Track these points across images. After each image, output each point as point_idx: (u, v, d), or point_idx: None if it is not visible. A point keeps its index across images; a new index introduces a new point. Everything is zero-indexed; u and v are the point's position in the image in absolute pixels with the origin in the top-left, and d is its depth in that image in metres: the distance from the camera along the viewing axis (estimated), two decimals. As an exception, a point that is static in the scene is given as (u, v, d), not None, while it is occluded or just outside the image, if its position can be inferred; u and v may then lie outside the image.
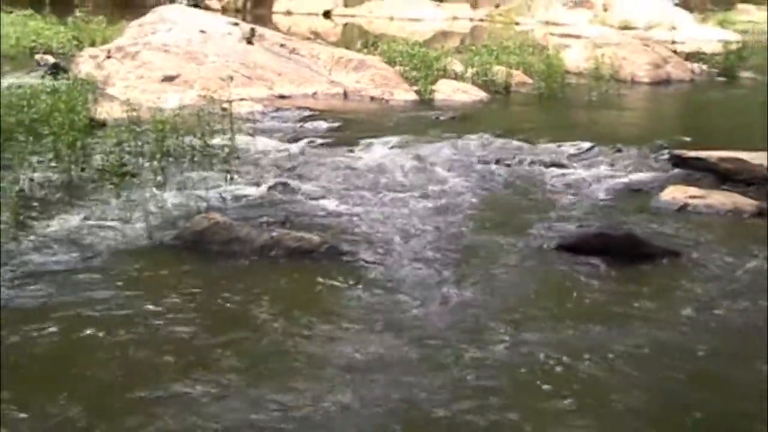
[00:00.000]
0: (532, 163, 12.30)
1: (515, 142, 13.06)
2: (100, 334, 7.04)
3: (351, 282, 8.24)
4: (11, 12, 22.13)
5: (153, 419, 5.85)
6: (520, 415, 6.02)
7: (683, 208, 10.49)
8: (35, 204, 9.76)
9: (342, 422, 5.89)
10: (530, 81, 18.28)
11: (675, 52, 22.28)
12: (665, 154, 12.29)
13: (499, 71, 18.27)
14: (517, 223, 9.98)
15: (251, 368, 6.59)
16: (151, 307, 7.53)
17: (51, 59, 17.67)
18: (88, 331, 7.07)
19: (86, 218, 9.42)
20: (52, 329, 7.11)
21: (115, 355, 6.75)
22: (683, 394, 6.44)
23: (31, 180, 10.35)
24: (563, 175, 11.80)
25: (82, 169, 10.88)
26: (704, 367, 6.85)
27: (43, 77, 15.71)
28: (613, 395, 6.37)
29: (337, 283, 8.22)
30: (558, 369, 6.66)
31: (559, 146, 12.91)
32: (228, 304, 7.69)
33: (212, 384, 6.30)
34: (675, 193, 10.74)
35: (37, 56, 18.12)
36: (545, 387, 6.39)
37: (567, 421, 6.02)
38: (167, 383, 6.32)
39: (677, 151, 12.18)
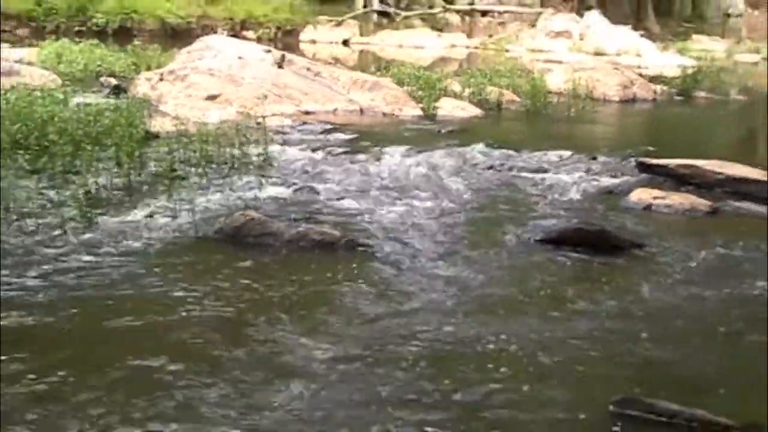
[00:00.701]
0: (519, 168, 12.29)
1: (505, 151, 13.04)
2: (156, 310, 7.12)
3: (366, 270, 8.27)
4: (80, 42, 22.14)
5: (209, 379, 5.92)
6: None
7: (648, 208, 10.50)
8: (100, 203, 9.75)
9: (365, 361, 6.23)
10: (518, 99, 18.26)
11: (640, 75, 22.21)
12: (632, 162, 12.27)
13: (491, 91, 18.25)
14: (507, 219, 9.98)
15: (281, 334, 6.72)
16: (197, 288, 7.60)
17: (113, 81, 17.68)
18: (145, 307, 7.16)
19: (143, 215, 9.44)
20: (115, 306, 7.17)
21: (171, 328, 6.84)
22: (630, 352, 6.67)
23: (97, 183, 10.34)
24: (546, 179, 11.79)
25: (139, 174, 10.89)
26: (654, 334, 6.95)
27: (106, 96, 15.76)
28: (577, 352, 6.58)
29: (354, 272, 8.24)
30: (534, 328, 6.92)
31: (543, 154, 12.90)
32: (261, 287, 7.73)
33: (254, 345, 6.52)
34: (641, 195, 10.76)
35: (102, 79, 18.12)
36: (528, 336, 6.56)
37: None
38: (216, 350, 6.43)
39: (642, 159, 12.17)
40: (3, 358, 6.11)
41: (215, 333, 6.78)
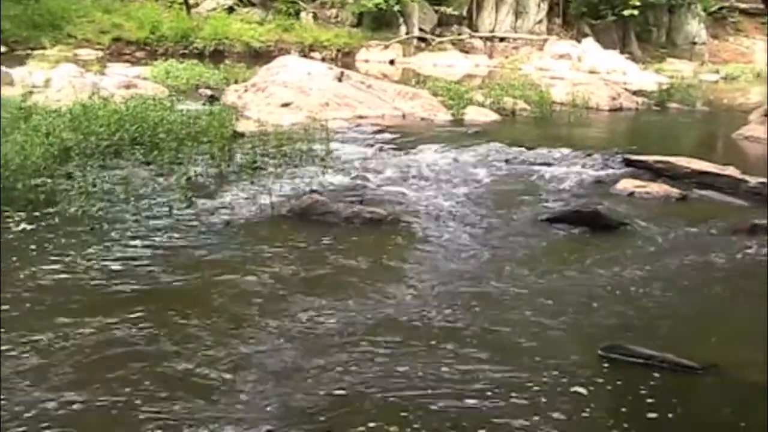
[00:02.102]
0: (529, 162, 12.23)
1: (518, 148, 12.96)
2: (242, 268, 7.21)
3: (407, 241, 8.32)
4: (183, 61, 22.25)
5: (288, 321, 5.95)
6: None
7: (631, 194, 10.45)
8: (198, 188, 9.79)
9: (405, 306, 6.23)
10: (529, 108, 18.13)
11: (625, 89, 22.02)
12: (619, 158, 12.17)
13: (507, 101, 18.15)
14: (519, 201, 9.95)
15: (340, 288, 6.80)
16: (271, 253, 7.68)
17: (209, 92, 17.71)
18: (234, 266, 7.28)
19: (230, 197, 9.47)
20: (210, 266, 7.28)
21: (254, 283, 6.92)
22: (614, 304, 6.76)
23: (195, 172, 10.38)
24: (551, 170, 11.71)
25: (228, 165, 10.90)
26: (634, 291, 7.04)
27: (203, 104, 15.81)
28: (574, 301, 6.62)
29: (398, 242, 8.30)
30: (539, 283, 6.91)
31: (548, 151, 12.80)
32: (324, 254, 7.77)
33: (316, 296, 6.59)
34: (626, 184, 10.71)
35: (200, 90, 18.16)
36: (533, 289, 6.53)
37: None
38: (289, 301, 6.52)
39: (627, 156, 12.11)
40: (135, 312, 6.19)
41: (287, 284, 6.91)
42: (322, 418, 4.83)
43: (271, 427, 4.69)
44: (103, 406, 4.84)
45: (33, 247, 7.56)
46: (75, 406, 4.83)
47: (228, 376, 5.25)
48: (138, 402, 4.88)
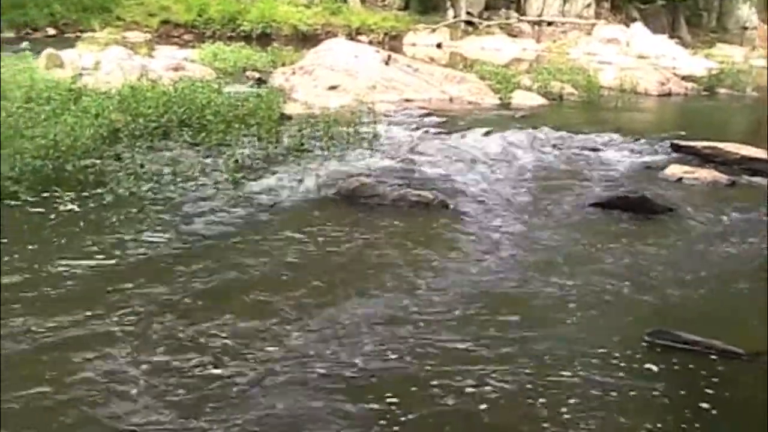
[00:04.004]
0: (576, 147, 12.16)
1: (566, 133, 12.89)
2: (289, 251, 7.26)
3: (454, 224, 8.30)
4: (231, 44, 22.31)
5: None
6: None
7: (679, 180, 10.37)
8: (245, 169, 9.83)
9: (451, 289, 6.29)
10: (576, 92, 17.99)
11: (675, 74, 21.80)
12: (667, 143, 12.09)
13: (555, 85, 18.03)
14: (566, 186, 9.91)
15: (387, 271, 6.85)
16: (320, 234, 7.73)
17: (256, 75, 17.76)
18: (279, 246, 7.35)
19: (277, 179, 9.50)
20: (256, 246, 7.33)
21: (304, 262, 7.02)
22: (661, 289, 6.73)
23: (242, 153, 10.43)
24: (598, 155, 11.66)
25: (275, 147, 10.95)
26: (681, 276, 7.00)
27: (251, 86, 15.85)
28: (619, 287, 6.63)
29: (444, 225, 8.29)
30: (580, 272, 6.91)
31: (596, 136, 12.74)
32: (370, 236, 7.80)
33: (362, 278, 6.67)
34: (674, 170, 10.63)
35: (247, 73, 18.21)
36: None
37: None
38: (337, 277, 6.62)
39: (675, 141, 12.03)
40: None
41: (332, 263, 7.01)
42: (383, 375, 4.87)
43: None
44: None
45: (81, 226, 7.66)
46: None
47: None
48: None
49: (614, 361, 5.41)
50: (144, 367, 5.09)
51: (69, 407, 4.62)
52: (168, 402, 4.72)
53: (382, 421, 4.62)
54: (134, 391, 4.82)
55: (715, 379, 5.24)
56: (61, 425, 4.49)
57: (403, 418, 4.67)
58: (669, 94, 19.73)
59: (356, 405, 4.77)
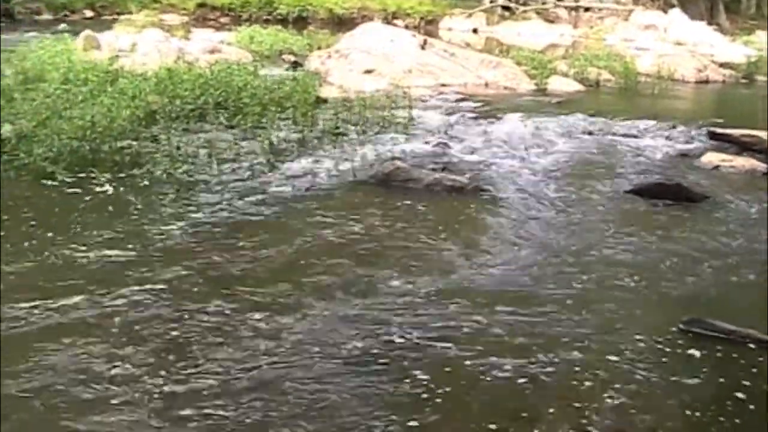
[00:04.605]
0: (613, 134, 12.06)
1: (602, 119, 12.80)
2: (324, 233, 7.29)
3: (489, 210, 8.27)
4: (267, 27, 22.34)
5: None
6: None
7: (716, 168, 10.27)
8: (280, 152, 9.85)
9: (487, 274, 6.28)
10: (613, 78, 17.85)
11: (712, 61, 21.58)
12: (704, 131, 11.98)
13: (591, 71, 17.89)
14: (602, 173, 9.84)
15: (422, 254, 6.83)
16: (355, 217, 7.73)
17: (292, 58, 17.78)
18: (314, 228, 7.39)
19: (313, 162, 9.51)
20: (291, 228, 7.35)
21: (340, 244, 7.04)
22: (694, 278, 6.68)
23: (278, 136, 10.45)
24: (634, 142, 11.57)
25: (311, 130, 10.94)
26: (715, 265, 6.95)
27: (287, 70, 15.86)
28: (653, 275, 6.57)
29: (479, 210, 8.27)
30: (615, 259, 6.90)
31: (632, 123, 12.63)
32: (404, 220, 7.81)
33: (396, 261, 6.55)
34: (710, 158, 10.54)
35: (283, 56, 18.23)
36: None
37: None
38: (371, 260, 6.59)
39: (713, 129, 11.91)
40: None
41: (367, 246, 7.02)
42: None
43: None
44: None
45: (116, 207, 7.70)
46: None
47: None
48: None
49: (648, 349, 5.38)
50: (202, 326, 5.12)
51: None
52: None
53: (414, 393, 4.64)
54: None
55: (753, 370, 5.19)
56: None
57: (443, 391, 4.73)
58: (706, 82, 19.55)
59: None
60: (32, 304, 5.58)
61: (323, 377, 4.84)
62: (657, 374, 5.06)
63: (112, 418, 4.35)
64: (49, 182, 8.33)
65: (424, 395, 4.71)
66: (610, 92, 17.11)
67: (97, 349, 5.06)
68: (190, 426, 4.33)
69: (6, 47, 15.09)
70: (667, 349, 5.39)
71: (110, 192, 8.14)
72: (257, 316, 5.56)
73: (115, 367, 4.83)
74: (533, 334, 5.52)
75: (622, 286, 6.43)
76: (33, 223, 7.21)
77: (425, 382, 4.83)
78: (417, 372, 4.94)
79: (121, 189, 8.21)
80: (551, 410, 4.65)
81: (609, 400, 4.75)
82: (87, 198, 7.95)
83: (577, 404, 4.70)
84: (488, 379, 4.94)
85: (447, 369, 5.03)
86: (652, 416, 4.64)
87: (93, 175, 8.52)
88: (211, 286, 6.05)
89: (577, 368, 5.09)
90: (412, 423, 4.44)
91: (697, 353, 5.37)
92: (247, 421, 4.40)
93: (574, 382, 4.94)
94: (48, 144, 8.92)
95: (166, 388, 4.64)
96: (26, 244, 6.69)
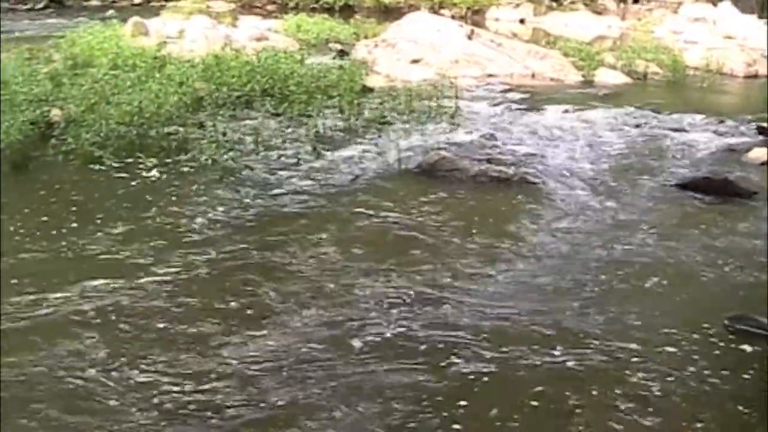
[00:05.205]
0: (660, 127, 11.92)
1: (649, 113, 12.65)
2: (370, 222, 7.34)
3: (534, 201, 8.25)
4: (314, 16, 22.35)
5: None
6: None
7: (763, 164, 10.11)
8: (326, 140, 9.87)
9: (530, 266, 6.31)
10: (661, 71, 17.62)
11: (762, 55, 21.31)
12: (752, 126, 11.83)
13: (639, 64, 17.70)
14: (648, 167, 9.74)
15: (467, 244, 6.88)
16: (401, 206, 7.75)
17: (339, 47, 17.74)
18: (359, 217, 7.45)
19: (358, 150, 9.52)
20: (335, 216, 7.42)
21: (387, 233, 7.12)
22: (739, 275, 6.62)
23: (324, 125, 10.45)
24: (682, 136, 11.43)
25: (357, 119, 10.93)
26: (759, 262, 6.87)
27: (333, 58, 15.85)
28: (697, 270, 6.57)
29: (524, 202, 8.24)
30: (660, 253, 6.89)
31: (680, 117, 12.46)
32: (455, 210, 7.82)
33: (449, 246, 6.76)
34: (758, 153, 10.38)
35: (330, 45, 18.22)
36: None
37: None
38: (419, 249, 6.71)
39: (761, 124, 11.74)
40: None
41: (413, 235, 7.04)
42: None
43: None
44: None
45: (163, 192, 7.77)
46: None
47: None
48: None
49: (692, 343, 5.37)
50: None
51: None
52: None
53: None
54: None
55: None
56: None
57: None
58: (755, 76, 19.28)
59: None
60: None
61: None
62: (697, 368, 5.07)
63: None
64: (97, 167, 8.40)
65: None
66: (658, 85, 16.93)
67: (179, 299, 5.44)
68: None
69: (55, 33, 15.24)
70: (710, 344, 5.39)
71: (157, 177, 8.20)
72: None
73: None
74: (584, 323, 5.56)
75: (665, 281, 6.39)
76: (87, 206, 7.32)
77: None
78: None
79: (168, 174, 8.28)
80: (607, 396, 4.72)
81: (658, 392, 4.77)
82: (134, 183, 8.02)
83: (630, 392, 4.76)
84: (540, 364, 5.02)
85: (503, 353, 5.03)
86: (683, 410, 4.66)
87: (140, 160, 8.58)
88: (256, 273, 6.09)
89: (618, 363, 5.11)
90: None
91: (740, 348, 5.37)
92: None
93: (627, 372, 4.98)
94: (96, 129, 9.01)
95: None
96: (74, 225, 6.80)
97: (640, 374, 4.95)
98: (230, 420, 4.39)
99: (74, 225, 6.91)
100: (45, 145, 8.89)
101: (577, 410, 4.62)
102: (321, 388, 4.67)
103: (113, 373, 4.70)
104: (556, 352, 5.17)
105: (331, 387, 4.68)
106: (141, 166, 8.48)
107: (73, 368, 4.73)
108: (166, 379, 4.68)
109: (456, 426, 4.42)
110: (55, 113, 9.57)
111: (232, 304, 5.64)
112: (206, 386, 4.64)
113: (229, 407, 4.48)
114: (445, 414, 4.51)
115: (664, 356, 5.19)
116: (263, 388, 4.65)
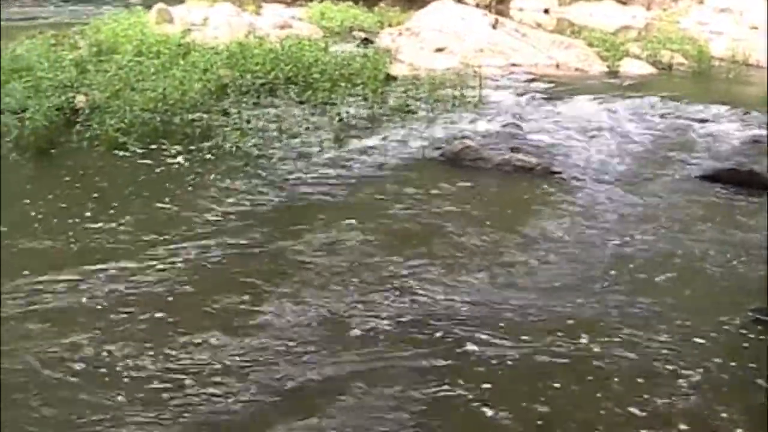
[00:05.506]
0: (685, 118, 11.85)
1: (674, 103, 12.59)
2: (395, 210, 7.37)
3: (558, 191, 8.22)
4: (338, 4, 22.32)
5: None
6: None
7: (790, 155, 10.12)
8: (349, 128, 9.86)
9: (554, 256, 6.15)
10: (686, 62, 17.55)
11: (789, 46, 21.16)
12: (779, 116, 11.77)
13: (664, 54, 17.62)
14: (672, 158, 9.70)
15: (488, 234, 6.85)
16: (425, 194, 7.78)
17: (363, 35, 17.73)
18: (384, 205, 7.47)
19: (382, 139, 9.51)
20: (359, 204, 7.47)
21: (412, 220, 7.12)
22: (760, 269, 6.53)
23: (347, 112, 10.44)
24: (707, 127, 11.36)
25: (380, 107, 10.92)
26: None
27: (357, 46, 15.83)
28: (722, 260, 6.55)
29: (548, 191, 8.22)
30: (685, 244, 6.90)
31: (705, 107, 12.40)
32: (474, 199, 7.84)
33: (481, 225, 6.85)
34: (785, 144, 10.37)
35: (354, 33, 18.20)
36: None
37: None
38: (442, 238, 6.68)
39: (788, 115, 11.70)
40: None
41: (438, 223, 7.08)
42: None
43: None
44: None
45: (187, 179, 7.80)
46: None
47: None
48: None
49: (716, 336, 5.37)
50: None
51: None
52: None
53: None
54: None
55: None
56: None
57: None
58: (782, 67, 19.17)
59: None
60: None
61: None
62: (719, 359, 5.09)
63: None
64: (121, 153, 8.43)
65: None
66: (683, 76, 16.84)
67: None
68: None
69: (80, 19, 15.30)
70: (733, 336, 5.41)
71: (182, 164, 8.23)
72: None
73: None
74: (607, 313, 5.60)
75: (689, 270, 6.41)
76: (111, 191, 7.41)
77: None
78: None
79: (192, 161, 8.31)
80: (638, 383, 4.76)
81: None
82: (158, 169, 8.05)
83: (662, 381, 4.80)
84: (560, 350, 5.06)
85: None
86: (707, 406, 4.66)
87: (164, 146, 8.61)
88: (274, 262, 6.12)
89: (643, 353, 5.12)
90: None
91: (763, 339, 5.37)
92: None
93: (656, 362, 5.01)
94: (120, 115, 9.05)
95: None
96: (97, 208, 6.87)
97: (670, 366, 4.97)
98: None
99: (98, 209, 6.95)
100: (70, 131, 8.92)
101: (603, 393, 4.66)
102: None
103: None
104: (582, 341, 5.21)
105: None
106: (165, 152, 8.51)
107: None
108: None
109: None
110: (80, 99, 9.60)
111: (255, 287, 5.67)
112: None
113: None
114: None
115: (690, 347, 5.20)
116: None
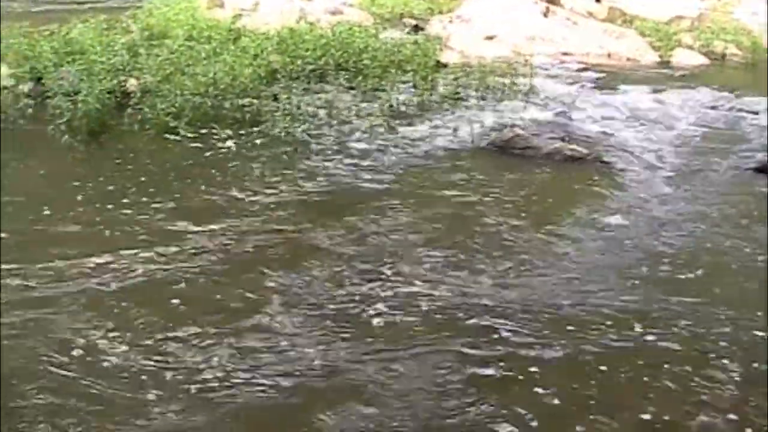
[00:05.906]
0: (737, 109, 11.71)
1: (726, 94, 12.44)
2: (445, 197, 7.39)
3: (608, 181, 8.17)
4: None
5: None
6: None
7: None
8: (399, 115, 9.85)
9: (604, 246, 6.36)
10: (740, 53, 17.33)
11: None
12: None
13: (717, 45, 17.41)
14: (723, 149, 9.59)
15: (542, 218, 6.86)
16: (475, 182, 7.81)
17: (413, 22, 17.66)
18: (435, 192, 7.49)
19: (432, 126, 9.50)
20: (411, 191, 7.46)
21: (464, 206, 7.16)
22: None
23: (397, 99, 10.42)
24: (759, 120, 11.21)
25: (430, 95, 10.88)
26: None
27: (408, 33, 15.79)
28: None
29: (598, 182, 8.16)
30: (734, 237, 6.90)
31: (758, 100, 12.24)
32: (526, 188, 7.83)
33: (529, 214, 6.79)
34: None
35: (404, 20, 18.15)
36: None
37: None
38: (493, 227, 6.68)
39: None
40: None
41: (488, 211, 7.02)
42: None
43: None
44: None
45: (237, 163, 7.84)
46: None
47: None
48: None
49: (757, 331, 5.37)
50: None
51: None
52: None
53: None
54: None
55: None
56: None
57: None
58: (838, 60, 18.89)
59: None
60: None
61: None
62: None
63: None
64: (172, 136, 8.49)
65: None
66: (737, 67, 16.62)
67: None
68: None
69: (133, 4, 15.40)
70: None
71: (232, 148, 8.27)
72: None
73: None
74: (658, 306, 5.60)
75: (737, 265, 6.37)
76: (161, 175, 7.51)
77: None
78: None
79: (242, 146, 8.35)
80: (675, 373, 4.79)
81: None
82: (208, 153, 8.10)
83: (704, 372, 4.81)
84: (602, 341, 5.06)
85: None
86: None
87: (214, 131, 8.65)
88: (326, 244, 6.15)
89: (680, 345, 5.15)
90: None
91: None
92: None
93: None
94: (171, 99, 9.11)
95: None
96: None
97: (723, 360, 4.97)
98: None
99: (148, 192, 7.01)
100: (121, 114, 9.01)
101: (655, 384, 4.69)
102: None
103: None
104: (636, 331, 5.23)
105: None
106: (215, 136, 8.56)
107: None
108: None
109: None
110: (132, 83, 9.68)
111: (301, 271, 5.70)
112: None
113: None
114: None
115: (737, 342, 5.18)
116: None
